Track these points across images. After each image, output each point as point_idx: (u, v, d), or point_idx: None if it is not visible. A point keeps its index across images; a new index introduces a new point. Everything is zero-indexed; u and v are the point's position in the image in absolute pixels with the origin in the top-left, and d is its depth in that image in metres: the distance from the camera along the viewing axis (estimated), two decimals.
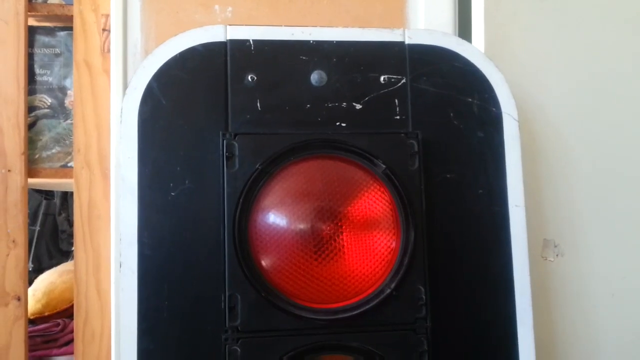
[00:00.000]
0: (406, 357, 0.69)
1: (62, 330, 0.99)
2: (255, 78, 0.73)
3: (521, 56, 0.89)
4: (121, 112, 0.71)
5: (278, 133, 0.71)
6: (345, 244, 0.70)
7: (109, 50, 0.93)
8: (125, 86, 0.90)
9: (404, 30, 0.77)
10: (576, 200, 0.90)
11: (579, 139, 0.90)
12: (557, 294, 0.89)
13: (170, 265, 0.69)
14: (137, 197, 0.70)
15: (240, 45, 0.73)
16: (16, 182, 0.91)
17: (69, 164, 0.95)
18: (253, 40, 0.74)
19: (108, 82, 0.92)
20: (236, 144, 0.70)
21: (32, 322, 1.01)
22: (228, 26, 0.74)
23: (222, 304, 0.67)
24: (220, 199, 0.70)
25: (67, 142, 0.94)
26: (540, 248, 0.90)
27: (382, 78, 0.75)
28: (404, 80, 0.75)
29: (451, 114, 0.76)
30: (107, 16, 0.93)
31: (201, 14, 0.90)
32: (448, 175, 0.75)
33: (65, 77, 0.95)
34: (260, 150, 0.70)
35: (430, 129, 0.75)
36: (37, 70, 0.95)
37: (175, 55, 0.72)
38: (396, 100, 0.75)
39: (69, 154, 0.95)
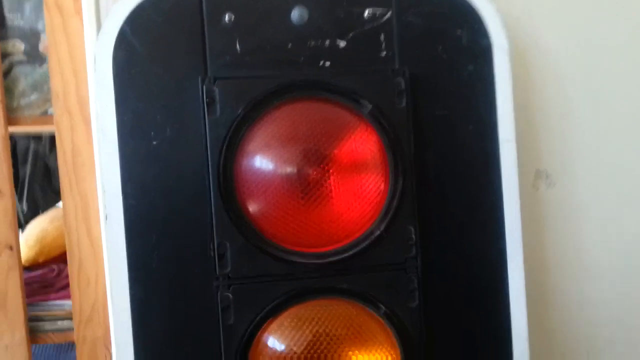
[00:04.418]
0: (397, 296, 0.70)
1: (57, 275, 1.00)
2: (233, 17, 0.70)
3: None
4: (94, 60, 0.68)
5: (259, 76, 0.69)
6: (332, 186, 0.69)
7: None
8: (98, 29, 0.86)
9: None
10: (569, 132, 0.88)
11: (573, 70, 0.87)
12: (548, 223, 0.90)
13: (156, 216, 0.68)
14: (117, 148, 0.68)
15: None
16: None
17: (49, 111, 0.92)
18: None
19: (82, 24, 0.89)
20: (216, 90, 0.67)
21: (27, 269, 1.02)
22: None
23: (211, 252, 0.67)
24: (203, 146, 0.68)
25: (45, 88, 0.91)
26: (532, 178, 0.89)
27: (366, 12, 0.72)
28: (389, 14, 0.72)
29: (440, 48, 0.73)
30: None
31: None
32: (437, 112, 0.73)
33: (37, 20, 0.91)
34: (241, 94, 0.68)
35: (418, 64, 0.72)
36: (7, 14, 0.90)
37: None
38: (382, 36, 0.72)
39: (48, 100, 0.92)
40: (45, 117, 0.93)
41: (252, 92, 0.68)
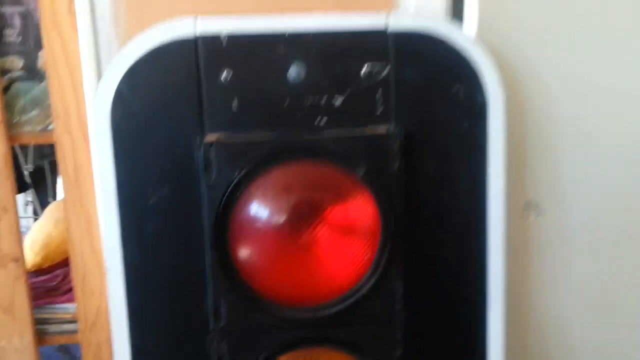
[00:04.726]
0: (383, 346, 0.74)
1: (62, 280, 1.04)
2: (230, 75, 0.69)
3: (518, 19, 0.83)
4: (93, 118, 0.69)
5: (255, 140, 0.70)
6: (323, 246, 0.71)
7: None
8: (96, 51, 0.86)
9: (387, 14, 0.71)
10: (560, 164, 0.89)
11: (568, 104, 0.87)
12: (535, 252, 0.92)
13: (154, 270, 0.72)
14: (117, 205, 0.70)
15: (211, 40, 0.69)
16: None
17: (49, 127, 0.93)
18: (225, 33, 0.69)
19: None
20: (213, 154, 0.68)
21: (33, 273, 1.07)
22: (197, 18, 0.68)
23: (207, 307, 0.71)
24: (199, 205, 0.70)
25: (45, 104, 0.92)
26: (522, 208, 0.91)
27: (363, 69, 0.71)
28: (386, 71, 0.71)
29: (436, 105, 0.73)
30: None
31: None
32: (430, 168, 0.74)
33: (35, 38, 0.90)
34: (237, 158, 0.69)
35: (414, 121, 0.73)
36: (4, 31, 0.89)
37: (144, 55, 0.68)
38: (379, 92, 0.72)
39: (49, 116, 0.93)
40: (46, 133, 0.93)
41: (247, 156, 0.69)
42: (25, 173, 1.64)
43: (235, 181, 0.69)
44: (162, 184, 0.70)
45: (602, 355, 0.96)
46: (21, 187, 1.62)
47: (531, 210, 0.91)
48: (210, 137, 0.69)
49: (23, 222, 1.49)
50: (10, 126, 0.93)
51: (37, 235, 1.09)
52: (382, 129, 0.72)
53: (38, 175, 1.74)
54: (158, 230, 0.71)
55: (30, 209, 1.97)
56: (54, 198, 1.88)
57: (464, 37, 0.73)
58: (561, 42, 0.85)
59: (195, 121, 0.70)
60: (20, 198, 1.81)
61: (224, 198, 0.69)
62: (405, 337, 0.74)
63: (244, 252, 0.71)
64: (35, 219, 1.66)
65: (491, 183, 0.75)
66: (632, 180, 0.91)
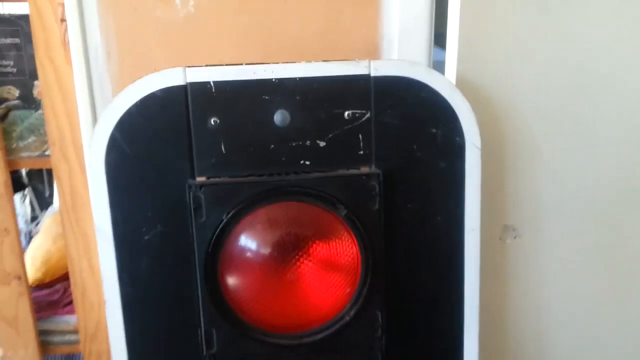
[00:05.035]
0: None
1: (63, 294, 1.09)
2: (218, 121, 0.73)
3: (497, 50, 0.87)
4: (88, 163, 0.73)
5: (242, 181, 0.74)
6: (307, 279, 0.76)
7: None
8: (89, 81, 0.89)
9: (369, 62, 0.74)
10: (536, 191, 0.94)
11: (546, 134, 0.91)
12: (512, 270, 0.97)
13: (150, 301, 0.77)
14: (112, 242, 0.74)
15: (200, 88, 0.72)
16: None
17: (46, 152, 0.97)
18: (213, 82, 0.72)
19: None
20: (202, 196, 0.73)
21: (35, 287, 1.11)
22: (187, 68, 0.72)
23: (199, 337, 0.76)
24: (190, 242, 0.74)
25: (41, 131, 0.95)
26: (500, 231, 0.96)
27: (346, 114, 0.75)
28: (368, 115, 0.75)
29: (415, 146, 0.77)
30: (63, 5, 0.88)
31: (162, 10, 0.85)
32: (409, 205, 0.79)
33: (30, 68, 0.93)
34: (226, 200, 0.73)
35: (394, 162, 0.77)
36: (1, 62, 0.92)
37: (136, 103, 0.72)
38: (360, 136, 0.76)
39: (45, 142, 0.96)
40: (43, 158, 0.97)
41: (235, 198, 0.73)
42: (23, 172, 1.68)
43: (223, 222, 0.73)
44: (155, 222, 0.75)
45: None
46: (18, 187, 1.67)
47: (509, 232, 0.95)
48: (200, 180, 0.74)
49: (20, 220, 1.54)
50: (9, 152, 0.96)
51: (36, 252, 1.13)
52: (363, 169, 0.76)
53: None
54: (152, 264, 0.76)
55: (27, 201, 2.02)
56: (51, 194, 1.94)
57: (443, 81, 0.76)
58: (539, 76, 0.89)
59: (186, 164, 0.73)
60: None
61: (214, 237, 0.73)
62: None
63: (233, 285, 0.76)
64: (34, 219, 1.71)
65: (467, 216, 0.80)
66: (600, 207, 0.95)
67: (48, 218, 1.31)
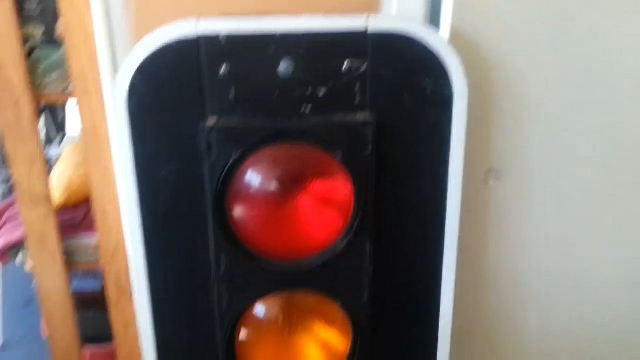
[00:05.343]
0: (351, 294, 0.91)
1: (84, 217, 1.20)
2: (228, 70, 0.80)
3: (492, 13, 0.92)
4: (112, 107, 0.81)
5: (250, 125, 0.82)
6: (307, 213, 0.86)
7: None
8: (108, 20, 0.95)
9: (367, 17, 0.81)
10: (520, 135, 1.01)
11: (535, 81, 0.97)
12: (494, 212, 1.07)
13: (168, 228, 0.87)
14: (134, 177, 0.84)
15: (212, 39, 0.79)
16: (26, 109, 1.02)
17: (69, 88, 1.05)
18: (224, 34, 0.79)
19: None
20: (214, 136, 0.81)
21: (59, 211, 1.22)
22: (200, 20, 0.78)
23: (210, 259, 0.87)
24: (202, 177, 0.84)
25: (64, 68, 1.03)
26: (484, 174, 1.04)
27: (344, 65, 0.82)
28: (364, 67, 0.82)
29: (406, 97, 0.84)
30: None
31: None
32: (399, 150, 0.87)
33: (53, 8, 0.99)
34: (234, 141, 0.81)
35: (386, 111, 0.84)
36: (25, 3, 0.98)
37: (153, 53, 0.79)
38: (357, 86, 0.83)
39: (68, 79, 1.04)
40: (67, 94, 1.05)
41: (243, 140, 0.81)
42: None
43: (232, 160, 0.82)
44: (171, 159, 0.84)
45: (552, 308, 1.13)
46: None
47: (491, 175, 1.04)
48: (211, 122, 0.82)
49: None
50: (34, 88, 1.04)
51: (59, 180, 1.23)
52: (359, 117, 0.84)
53: None
54: (169, 197, 0.85)
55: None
56: (64, 117, 2.03)
57: (436, 37, 0.82)
58: (531, 25, 0.94)
59: (198, 109, 0.81)
60: None
61: (223, 173, 0.82)
62: (371, 286, 0.91)
63: (239, 216, 0.86)
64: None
65: (452, 162, 0.88)
66: (585, 152, 1.03)
67: (69, 147, 1.40)
